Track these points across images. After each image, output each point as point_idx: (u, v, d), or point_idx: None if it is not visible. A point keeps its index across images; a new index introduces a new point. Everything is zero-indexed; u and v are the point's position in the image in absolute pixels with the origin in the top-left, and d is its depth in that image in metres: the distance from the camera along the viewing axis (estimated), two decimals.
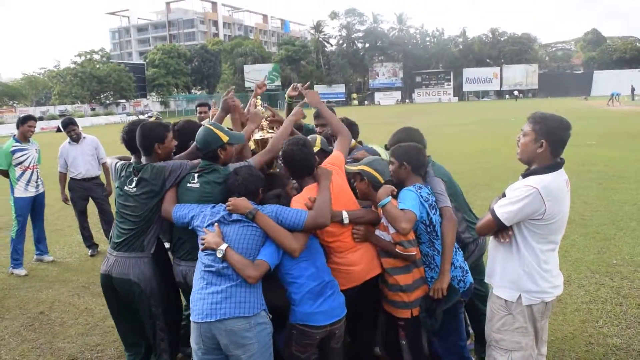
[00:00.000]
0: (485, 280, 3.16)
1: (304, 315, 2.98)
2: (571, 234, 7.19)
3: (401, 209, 3.11)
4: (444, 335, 3.43)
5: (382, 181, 3.27)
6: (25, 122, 7.05)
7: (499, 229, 2.91)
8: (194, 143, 3.42)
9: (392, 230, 3.17)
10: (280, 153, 3.37)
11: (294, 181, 3.52)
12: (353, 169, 3.37)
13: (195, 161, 3.41)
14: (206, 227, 3.01)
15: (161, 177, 3.29)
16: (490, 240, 3.10)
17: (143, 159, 3.46)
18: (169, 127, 3.53)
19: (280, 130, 3.67)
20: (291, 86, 4.39)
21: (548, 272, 2.89)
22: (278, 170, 3.81)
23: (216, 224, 2.97)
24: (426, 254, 3.28)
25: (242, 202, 2.98)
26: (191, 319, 2.89)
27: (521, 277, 2.87)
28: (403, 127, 3.86)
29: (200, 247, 2.96)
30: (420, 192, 3.23)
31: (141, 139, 3.41)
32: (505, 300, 2.94)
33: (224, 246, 2.86)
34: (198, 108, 7.78)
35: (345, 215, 3.21)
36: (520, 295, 2.89)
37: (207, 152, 3.29)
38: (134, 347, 3.65)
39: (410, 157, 3.32)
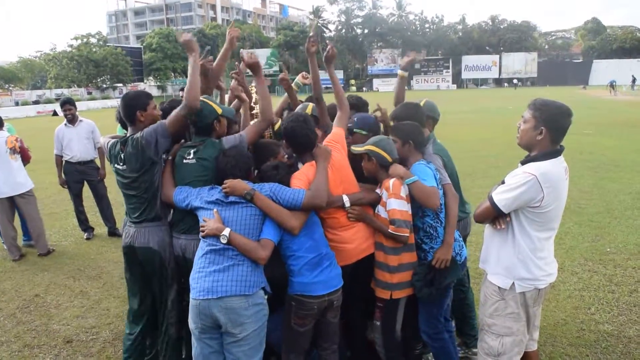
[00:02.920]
0: (479, 266, 3.17)
1: (301, 285, 3.02)
2: (566, 221, 7.22)
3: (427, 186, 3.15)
4: (426, 307, 3.43)
5: (390, 160, 3.28)
6: None
7: (497, 216, 2.91)
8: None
9: (391, 206, 3.17)
10: (281, 129, 3.36)
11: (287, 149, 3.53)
12: (360, 150, 3.37)
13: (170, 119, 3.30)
14: (204, 208, 3.00)
15: (139, 146, 3.23)
16: (486, 227, 3.11)
17: (129, 131, 3.43)
18: (151, 96, 3.51)
19: (262, 99, 3.52)
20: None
21: (542, 260, 2.89)
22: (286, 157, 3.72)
23: (214, 209, 2.96)
24: (430, 225, 3.29)
25: (239, 184, 2.97)
26: (191, 296, 2.89)
27: (515, 265, 2.88)
28: (403, 102, 3.86)
29: (201, 234, 2.94)
30: (430, 166, 3.28)
31: (124, 107, 3.39)
32: (499, 287, 2.96)
33: (227, 231, 2.85)
34: (181, 93, 7.76)
35: (345, 199, 3.24)
36: (513, 282, 2.90)
37: (203, 125, 3.27)
38: (139, 324, 3.62)
39: (413, 135, 3.35)
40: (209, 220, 2.93)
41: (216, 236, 2.87)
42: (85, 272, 6.30)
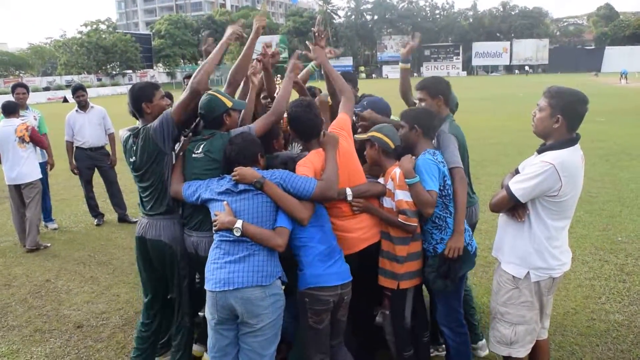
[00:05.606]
0: (492, 254, 3.14)
1: (314, 277, 2.95)
2: (577, 210, 7.07)
3: (427, 191, 3.07)
4: (444, 300, 3.40)
5: (393, 146, 3.23)
6: (13, 90, 7.41)
7: (515, 206, 2.87)
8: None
9: (398, 197, 3.13)
10: (285, 115, 3.32)
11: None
12: (362, 137, 3.32)
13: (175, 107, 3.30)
14: (214, 200, 2.97)
15: (149, 137, 3.23)
16: (500, 216, 3.08)
17: (139, 123, 3.43)
18: (158, 87, 3.48)
19: (281, 90, 3.53)
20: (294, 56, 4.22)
21: (557, 249, 2.87)
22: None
23: (225, 202, 2.92)
24: (438, 217, 3.20)
25: (249, 171, 2.92)
26: (207, 288, 2.85)
27: (531, 254, 2.85)
28: (434, 76, 3.79)
29: (214, 228, 2.91)
30: (436, 158, 3.18)
31: (130, 100, 3.39)
32: (513, 276, 2.93)
33: (239, 223, 2.81)
34: (186, 80, 7.68)
35: (349, 192, 3.17)
36: (528, 272, 2.88)
37: (212, 118, 3.23)
38: (153, 314, 3.62)
39: (421, 120, 3.24)
40: (220, 213, 2.89)
41: (229, 229, 2.83)
42: (96, 258, 6.35)
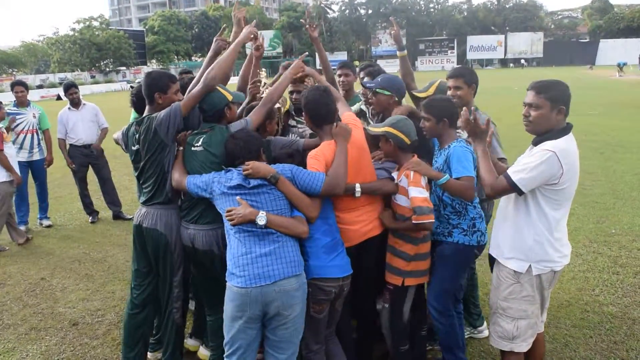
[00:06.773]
0: (490, 252, 3.12)
1: (319, 268, 2.97)
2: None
3: (464, 176, 3.06)
4: (438, 283, 3.37)
5: (409, 142, 3.21)
6: (12, 88, 7.41)
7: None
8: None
9: (412, 194, 3.09)
10: (301, 99, 3.31)
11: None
12: (377, 131, 3.28)
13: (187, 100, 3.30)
14: (226, 194, 2.94)
15: (153, 127, 3.21)
16: (498, 210, 3.08)
17: (146, 111, 3.40)
18: (175, 79, 3.44)
19: (277, 83, 3.55)
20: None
21: (558, 241, 2.87)
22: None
23: (238, 197, 2.88)
24: (459, 203, 3.22)
25: (263, 166, 2.91)
26: (237, 285, 2.76)
27: (532, 248, 2.85)
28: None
29: (231, 222, 2.83)
30: (469, 148, 3.18)
31: (144, 86, 3.37)
32: (514, 271, 2.92)
33: (263, 213, 2.79)
34: (183, 76, 7.60)
35: (357, 188, 3.15)
36: (530, 265, 2.87)
37: (214, 112, 3.23)
38: (139, 307, 3.59)
39: (447, 111, 3.24)
40: (236, 208, 2.84)
41: (251, 221, 2.79)
42: (91, 255, 6.34)
